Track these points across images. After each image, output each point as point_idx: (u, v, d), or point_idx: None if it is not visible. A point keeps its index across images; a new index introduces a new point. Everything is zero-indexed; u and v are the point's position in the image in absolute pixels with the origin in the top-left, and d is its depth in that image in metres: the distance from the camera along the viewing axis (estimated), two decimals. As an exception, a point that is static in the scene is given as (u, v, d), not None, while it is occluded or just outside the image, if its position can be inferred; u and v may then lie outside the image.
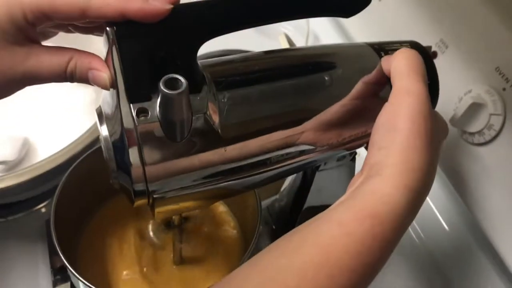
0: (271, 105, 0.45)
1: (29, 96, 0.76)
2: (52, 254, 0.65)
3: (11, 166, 0.69)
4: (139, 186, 0.42)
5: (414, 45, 0.51)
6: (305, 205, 0.60)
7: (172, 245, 0.58)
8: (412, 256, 0.73)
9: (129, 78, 0.39)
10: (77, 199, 0.58)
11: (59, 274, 0.64)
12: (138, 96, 0.40)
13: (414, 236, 0.74)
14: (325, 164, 0.55)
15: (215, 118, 0.42)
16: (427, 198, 0.72)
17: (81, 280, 0.49)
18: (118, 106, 0.40)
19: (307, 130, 0.45)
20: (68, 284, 0.62)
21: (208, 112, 0.41)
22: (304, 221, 0.62)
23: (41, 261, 0.67)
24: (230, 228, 0.63)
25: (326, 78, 0.46)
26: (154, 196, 0.43)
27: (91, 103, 0.78)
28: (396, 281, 0.70)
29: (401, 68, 0.43)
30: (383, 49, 0.49)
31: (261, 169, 0.46)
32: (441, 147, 0.45)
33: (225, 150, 0.43)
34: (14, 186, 0.60)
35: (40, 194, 0.69)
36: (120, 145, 0.41)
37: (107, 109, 0.42)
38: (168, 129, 0.40)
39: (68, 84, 0.76)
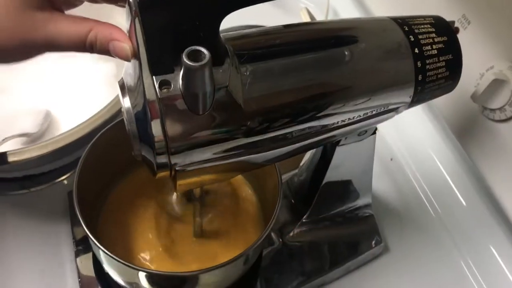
0: (294, 79, 0.45)
1: (50, 70, 0.77)
2: (74, 225, 0.66)
3: (33, 139, 0.70)
4: (162, 159, 0.42)
5: (437, 20, 0.51)
6: (324, 180, 0.61)
7: (193, 218, 0.58)
8: (428, 230, 0.73)
9: (152, 50, 0.40)
10: (99, 171, 0.58)
11: (81, 244, 0.65)
12: (160, 68, 0.40)
13: (430, 211, 0.74)
14: (345, 139, 0.55)
15: (238, 91, 0.42)
16: (444, 172, 0.72)
17: (102, 250, 0.49)
18: (140, 78, 0.40)
19: (329, 104, 0.45)
20: (90, 254, 0.64)
21: (230, 85, 0.41)
22: (323, 196, 0.63)
23: (63, 232, 0.68)
24: (250, 202, 0.64)
25: (349, 52, 0.46)
26: (176, 168, 0.43)
27: (112, 77, 0.78)
28: (412, 254, 0.70)
29: None
30: (407, 23, 0.49)
31: (282, 143, 0.46)
32: None
33: (247, 124, 0.43)
34: (37, 158, 0.60)
35: (62, 166, 0.70)
36: (142, 117, 0.41)
37: (130, 82, 0.43)
38: (190, 102, 0.40)
39: (89, 58, 0.78)
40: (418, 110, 0.80)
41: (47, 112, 0.71)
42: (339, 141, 0.55)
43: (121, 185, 0.63)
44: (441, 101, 0.67)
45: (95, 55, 0.78)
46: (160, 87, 0.40)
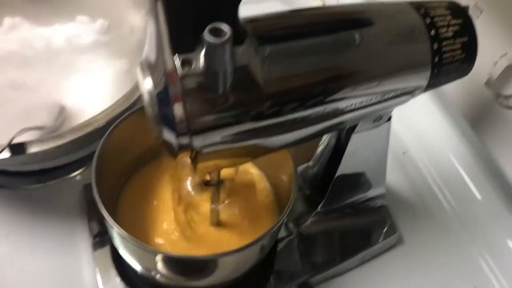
0: (312, 60, 0.45)
1: (63, 66, 0.78)
2: (91, 218, 0.67)
3: (48, 133, 0.70)
4: (183, 139, 0.42)
5: (452, 4, 0.51)
6: (339, 171, 0.61)
7: (210, 206, 0.59)
8: (443, 223, 0.73)
9: (174, 29, 0.40)
10: (117, 160, 0.58)
11: (98, 238, 0.65)
12: (182, 47, 0.40)
13: (444, 205, 0.74)
14: (361, 125, 0.55)
15: (257, 72, 0.42)
16: (458, 166, 0.73)
17: (120, 234, 0.50)
18: (162, 57, 0.41)
19: (348, 85, 0.46)
20: (107, 248, 0.64)
21: (250, 65, 0.42)
22: (337, 186, 0.63)
23: (79, 226, 0.68)
24: (265, 194, 0.64)
25: (367, 34, 0.46)
26: (197, 149, 0.43)
27: (125, 74, 0.79)
28: (426, 247, 0.70)
29: None
30: (422, 6, 0.49)
31: (301, 124, 0.46)
32: None
33: (267, 104, 0.43)
34: (53, 149, 0.61)
35: (77, 160, 0.71)
36: (163, 97, 0.41)
37: (150, 63, 0.43)
38: (211, 80, 0.41)
39: (102, 55, 0.78)
40: (430, 104, 0.81)
41: (62, 106, 0.72)
42: (354, 128, 0.56)
43: (138, 175, 0.63)
44: (454, 90, 0.68)
45: (108, 52, 0.79)
46: (181, 65, 0.40)
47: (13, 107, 0.70)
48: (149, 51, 0.44)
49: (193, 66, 0.41)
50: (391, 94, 0.48)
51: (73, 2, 0.81)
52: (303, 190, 0.67)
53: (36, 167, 0.70)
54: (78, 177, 0.73)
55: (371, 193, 0.67)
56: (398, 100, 0.50)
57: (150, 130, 0.46)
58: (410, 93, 0.49)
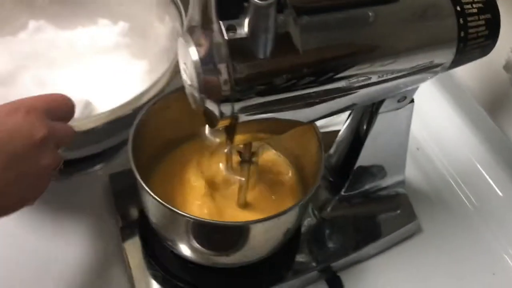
0: (347, 33, 0.47)
1: (87, 65, 0.80)
2: (119, 208, 0.68)
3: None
4: (225, 105, 0.44)
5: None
6: (361, 156, 0.63)
7: (238, 189, 0.60)
8: (461, 215, 0.74)
9: (220, -1, 0.42)
10: (148, 142, 0.60)
11: (127, 229, 0.66)
12: (227, 14, 0.43)
13: (463, 198, 0.76)
14: (386, 105, 0.57)
15: (296, 41, 0.45)
16: (474, 161, 0.74)
17: (155, 198, 0.52)
18: (207, 24, 0.43)
19: (381, 56, 0.48)
20: (137, 238, 0.65)
21: (290, 33, 0.44)
22: (359, 173, 0.65)
23: (106, 218, 0.69)
24: (289, 177, 0.66)
25: (397, 8, 0.49)
26: (237, 115, 0.45)
27: (146, 74, 0.81)
28: (445, 238, 0.72)
29: None
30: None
31: (335, 93, 0.48)
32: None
33: (305, 71, 0.46)
34: (81, 136, 0.62)
35: (99, 154, 0.73)
36: (208, 63, 0.43)
37: (193, 32, 0.45)
38: (254, 44, 0.43)
39: (124, 56, 0.81)
40: (442, 98, 0.84)
41: (87, 101, 0.74)
42: (379, 107, 0.58)
43: (167, 158, 0.65)
44: (470, 78, 0.70)
45: (129, 53, 0.81)
46: (227, 30, 0.43)
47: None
48: (191, 20, 0.46)
49: (237, 32, 0.43)
50: (420, 67, 0.51)
51: (94, 6, 0.84)
52: (326, 177, 0.69)
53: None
54: (101, 171, 0.75)
55: (391, 180, 0.68)
56: (424, 75, 0.52)
57: (190, 101, 0.48)
58: (437, 66, 0.52)
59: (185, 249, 0.58)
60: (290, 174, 0.66)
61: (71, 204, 0.71)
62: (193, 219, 0.52)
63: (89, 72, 0.80)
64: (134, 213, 0.67)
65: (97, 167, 0.75)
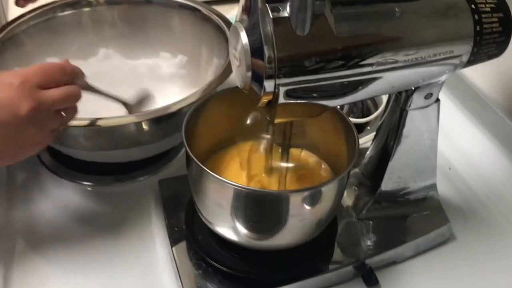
0: (375, 23, 0.55)
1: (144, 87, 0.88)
2: (168, 214, 0.73)
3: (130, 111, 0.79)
4: (269, 81, 0.51)
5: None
6: (396, 154, 0.69)
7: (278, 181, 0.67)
8: (500, 237, 0.77)
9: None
10: (198, 139, 0.66)
11: (175, 234, 0.71)
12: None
13: (501, 218, 0.79)
14: (415, 101, 0.64)
15: (332, 26, 0.52)
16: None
17: (208, 171, 0.58)
18: (256, 5, 0.51)
19: (406, 46, 0.56)
20: (184, 242, 0.69)
21: (326, 16, 0.52)
22: (393, 174, 0.70)
23: (154, 223, 0.75)
24: (324, 171, 0.72)
25: (419, 4, 0.57)
26: (280, 91, 0.52)
27: (180, 78, 0.92)
28: (478, 248, 0.75)
29: None
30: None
31: (364, 75, 0.55)
32: None
33: (340, 54, 0.53)
34: (136, 125, 0.71)
35: (150, 163, 0.81)
36: (255, 41, 0.51)
37: (244, 18, 0.54)
38: (296, 23, 0.50)
39: (178, 84, 0.90)
40: (469, 123, 0.90)
41: (144, 89, 0.82)
42: (406, 102, 0.64)
43: (213, 158, 0.72)
44: (495, 91, 0.75)
45: (184, 82, 0.91)
46: (272, 11, 0.51)
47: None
48: (242, 7, 0.54)
49: (281, 12, 0.51)
50: (441, 56, 0.58)
51: (158, 40, 0.96)
52: (363, 183, 0.75)
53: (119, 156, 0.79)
54: (150, 180, 0.81)
55: (423, 183, 0.73)
56: (446, 66, 0.59)
57: (237, 82, 0.55)
58: (457, 57, 0.59)
59: (228, 231, 0.63)
60: (323, 166, 0.72)
61: (124, 207, 0.78)
62: (243, 188, 0.58)
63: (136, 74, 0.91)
64: (182, 217, 0.72)
65: (149, 176, 0.82)
